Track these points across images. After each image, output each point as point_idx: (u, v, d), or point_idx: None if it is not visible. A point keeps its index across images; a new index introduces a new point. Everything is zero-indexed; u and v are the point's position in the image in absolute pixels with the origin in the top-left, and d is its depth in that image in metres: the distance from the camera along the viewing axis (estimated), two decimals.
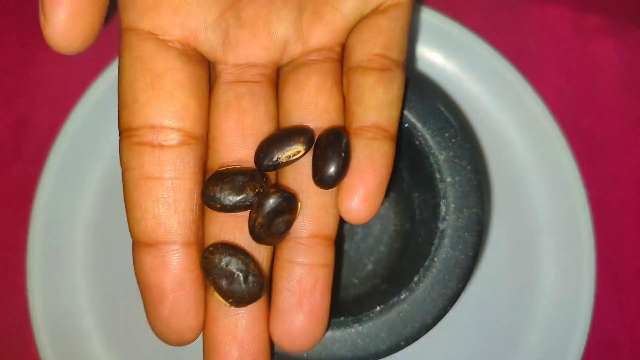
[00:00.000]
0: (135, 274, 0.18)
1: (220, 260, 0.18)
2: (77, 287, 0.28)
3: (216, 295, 0.18)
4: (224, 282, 0.18)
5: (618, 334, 0.29)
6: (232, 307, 0.18)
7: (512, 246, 0.29)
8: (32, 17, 0.30)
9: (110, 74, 0.28)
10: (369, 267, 0.27)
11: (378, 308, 0.22)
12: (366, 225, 0.27)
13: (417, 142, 0.23)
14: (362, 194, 0.18)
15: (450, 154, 0.23)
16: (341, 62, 0.21)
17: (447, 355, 0.28)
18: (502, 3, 0.31)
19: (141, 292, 0.18)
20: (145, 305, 0.18)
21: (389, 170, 0.19)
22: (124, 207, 0.28)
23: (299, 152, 0.19)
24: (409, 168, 0.25)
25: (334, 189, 0.19)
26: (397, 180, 0.27)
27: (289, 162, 0.19)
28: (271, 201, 0.18)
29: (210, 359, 0.19)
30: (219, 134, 0.19)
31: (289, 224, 0.19)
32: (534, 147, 0.29)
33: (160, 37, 0.19)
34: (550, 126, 0.29)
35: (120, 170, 0.28)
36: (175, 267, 0.18)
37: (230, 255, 0.18)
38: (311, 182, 0.19)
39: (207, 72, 0.20)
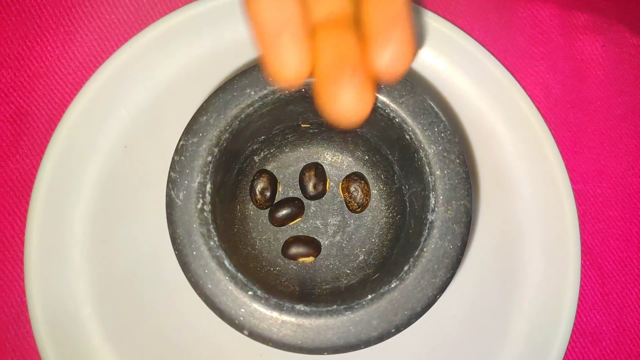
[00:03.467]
0: (250, 15, 0.19)
1: None
2: (75, 277, 0.28)
3: None
4: None
5: (602, 323, 0.30)
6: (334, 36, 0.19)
7: (499, 237, 0.29)
8: (29, 11, 0.30)
9: (107, 68, 0.28)
10: (361, 257, 0.28)
11: (369, 296, 0.22)
12: (358, 217, 0.28)
13: (407, 136, 0.23)
14: (397, 43, 0.19)
15: (440, 147, 0.23)
16: None
17: (437, 342, 0.29)
18: (492, 2, 0.31)
19: (257, 36, 0.19)
20: (261, 49, 0.19)
21: (411, 21, 0.20)
22: (121, 198, 0.28)
23: None
24: (399, 161, 0.26)
25: None
26: (388, 173, 0.27)
27: None
28: None
29: (326, 77, 0.19)
30: None
31: None
32: (521, 141, 0.29)
33: None
34: (537, 121, 0.29)
35: (117, 163, 0.28)
36: (287, 5, 0.19)
37: None
38: None
39: None
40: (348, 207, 0.28)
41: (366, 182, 0.28)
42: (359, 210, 0.28)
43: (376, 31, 0.19)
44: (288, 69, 0.19)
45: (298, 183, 0.28)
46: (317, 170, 0.28)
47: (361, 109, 0.19)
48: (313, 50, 0.20)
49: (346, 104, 0.19)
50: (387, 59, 0.19)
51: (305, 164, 0.28)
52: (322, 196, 0.28)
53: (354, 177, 0.28)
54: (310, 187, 0.28)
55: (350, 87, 0.19)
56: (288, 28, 0.19)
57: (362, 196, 0.27)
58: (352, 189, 0.27)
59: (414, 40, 0.19)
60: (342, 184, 0.28)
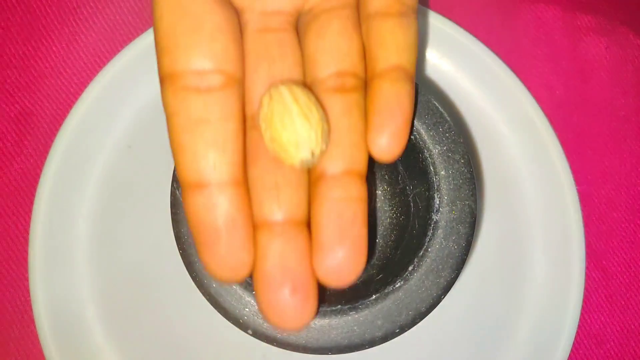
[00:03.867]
0: (188, 216, 0.19)
1: None
2: (79, 278, 0.28)
3: None
4: None
5: (606, 325, 0.30)
6: (280, 243, 0.19)
7: (504, 239, 0.29)
8: (34, 11, 0.30)
9: (111, 68, 0.29)
10: None
11: (374, 296, 0.22)
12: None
13: (411, 137, 0.23)
14: (391, 131, 0.19)
15: (444, 147, 0.23)
16: (357, 7, 0.21)
17: (441, 343, 0.28)
18: (496, 3, 0.31)
19: (194, 234, 0.19)
20: (199, 246, 0.19)
21: (412, 108, 0.20)
22: (125, 198, 0.28)
23: None
24: (404, 161, 0.26)
25: (363, 125, 0.20)
26: (392, 174, 0.27)
27: None
28: None
29: (265, 292, 0.19)
30: (250, 83, 0.20)
31: None
32: (525, 142, 0.29)
33: None
34: (541, 122, 0.29)
35: (121, 163, 0.28)
36: (229, 206, 0.18)
37: None
38: (342, 120, 0.20)
39: (238, 18, 0.20)
40: None
41: (370, 183, 0.28)
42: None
43: (327, 240, 0.19)
44: (225, 271, 0.18)
45: None
46: None
47: (302, 319, 0.18)
48: (256, 251, 0.19)
49: (286, 315, 0.18)
50: (334, 272, 0.18)
51: None
52: None
53: None
54: None
55: (292, 302, 0.18)
56: (229, 228, 0.18)
57: None
58: None
59: (365, 247, 0.19)
60: None
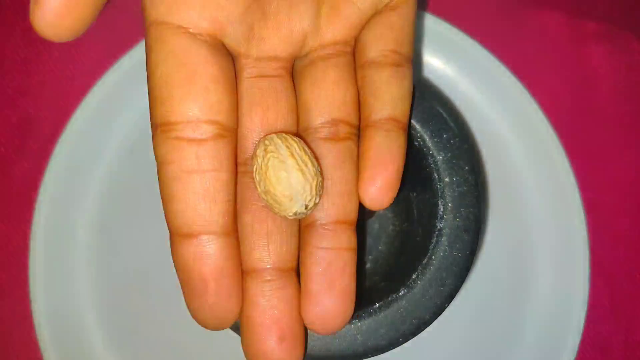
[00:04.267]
0: (176, 266, 0.19)
1: None
2: (80, 284, 0.28)
3: None
4: None
5: (612, 334, 0.30)
6: (269, 291, 0.19)
7: (508, 246, 0.29)
8: None
9: (113, 73, 0.29)
10: (368, 265, 0.27)
11: (377, 304, 0.22)
12: (365, 225, 0.28)
13: (416, 143, 0.23)
14: (382, 181, 0.20)
15: (449, 154, 0.23)
16: (354, 55, 0.22)
17: (444, 352, 0.28)
18: (500, 10, 0.31)
19: (182, 282, 0.19)
20: (186, 295, 0.19)
21: (404, 159, 0.20)
22: (127, 203, 0.28)
23: None
24: (407, 168, 0.26)
25: (355, 175, 0.20)
26: None
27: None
28: None
29: (252, 341, 0.19)
30: (244, 129, 0.20)
31: None
32: (530, 149, 0.29)
33: (190, 30, 0.19)
34: (546, 129, 0.29)
35: (122, 168, 0.28)
36: (218, 256, 0.18)
37: None
38: (334, 170, 0.20)
39: (233, 65, 0.20)
40: None
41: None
42: (366, 217, 0.28)
43: (315, 288, 0.19)
44: (212, 320, 0.19)
45: None
46: None
47: None
48: (244, 298, 0.19)
49: None
50: (321, 320, 0.19)
51: None
52: None
53: None
54: None
55: (278, 350, 0.19)
56: (217, 278, 0.18)
57: None
58: None
59: (353, 296, 0.20)
60: None
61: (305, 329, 0.20)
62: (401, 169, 0.20)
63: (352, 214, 0.20)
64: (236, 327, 0.22)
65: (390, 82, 0.21)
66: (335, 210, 0.20)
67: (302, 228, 0.20)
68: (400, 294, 0.22)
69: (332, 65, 0.21)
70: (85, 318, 0.28)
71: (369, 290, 0.26)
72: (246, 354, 0.19)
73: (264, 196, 0.19)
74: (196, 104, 0.18)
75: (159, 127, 0.19)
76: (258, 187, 0.19)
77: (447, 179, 0.23)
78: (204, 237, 0.18)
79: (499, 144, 0.29)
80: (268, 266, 0.19)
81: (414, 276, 0.22)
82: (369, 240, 0.28)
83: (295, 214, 0.19)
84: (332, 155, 0.20)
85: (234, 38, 0.20)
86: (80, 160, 0.28)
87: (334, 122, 0.20)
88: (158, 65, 0.19)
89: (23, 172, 0.29)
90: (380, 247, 0.27)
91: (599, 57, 0.31)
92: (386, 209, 0.28)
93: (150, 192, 0.29)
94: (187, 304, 0.19)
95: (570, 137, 0.30)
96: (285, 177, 0.18)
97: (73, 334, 0.28)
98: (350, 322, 0.22)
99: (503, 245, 0.29)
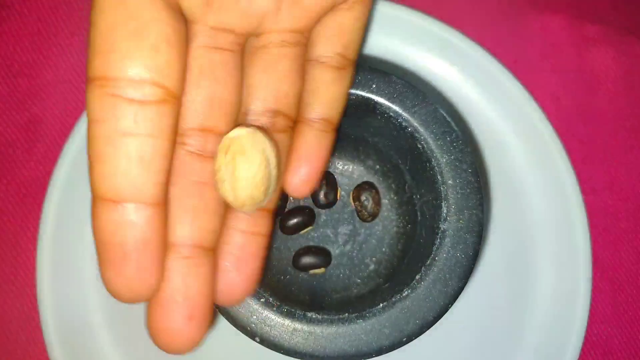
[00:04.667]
0: (95, 231, 0.18)
1: None
2: (87, 284, 0.28)
3: None
4: None
5: (614, 335, 0.30)
6: (184, 267, 0.19)
7: (511, 248, 0.29)
8: (45, 21, 0.31)
9: None
10: (371, 267, 0.28)
11: (381, 305, 0.22)
12: (369, 227, 0.28)
13: (419, 146, 0.24)
14: (305, 174, 0.21)
15: (452, 157, 0.23)
16: (307, 45, 0.22)
17: (447, 352, 0.28)
18: (502, 13, 0.32)
19: (99, 249, 0.18)
20: (102, 263, 0.18)
21: (329, 157, 0.22)
22: None
23: None
24: (411, 171, 0.26)
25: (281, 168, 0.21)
26: (399, 183, 0.28)
27: None
28: None
29: (159, 316, 0.18)
30: (189, 99, 0.19)
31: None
32: (532, 152, 0.29)
33: None
34: (548, 132, 0.29)
35: None
36: (144, 227, 0.17)
37: None
38: None
39: (186, 30, 0.19)
40: (359, 216, 0.28)
41: (377, 192, 0.28)
42: (369, 219, 0.28)
43: (226, 266, 0.20)
44: (127, 293, 0.18)
45: None
46: (328, 179, 0.28)
47: (191, 345, 0.19)
48: (163, 274, 0.18)
49: (177, 340, 0.19)
50: (225, 294, 0.20)
51: None
52: (333, 205, 0.28)
53: (365, 187, 0.28)
54: (321, 195, 0.28)
55: (186, 328, 0.19)
56: (140, 250, 0.17)
57: (373, 205, 0.27)
58: (363, 198, 0.28)
59: (257, 277, 0.21)
60: (353, 193, 0.28)
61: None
62: (325, 165, 0.22)
63: (273, 201, 0.21)
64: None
65: (330, 84, 0.22)
66: None
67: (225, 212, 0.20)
68: (404, 294, 0.22)
69: (285, 55, 0.21)
70: (92, 317, 0.28)
71: (374, 291, 0.26)
72: (150, 329, 0.19)
73: (220, 186, 0.19)
74: (142, 62, 0.17)
75: (95, 80, 0.17)
76: (217, 177, 0.19)
77: (450, 181, 0.23)
78: (131, 205, 0.17)
79: (501, 146, 0.29)
80: (189, 242, 0.19)
81: (417, 277, 0.23)
82: (373, 242, 0.28)
83: (249, 206, 0.19)
84: None
85: (192, 0, 0.19)
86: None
87: (275, 114, 0.21)
88: (104, 13, 0.17)
89: (31, 172, 0.30)
90: (384, 249, 0.28)
91: (601, 60, 0.31)
92: (390, 210, 0.28)
93: None
94: (101, 272, 0.18)
95: (572, 139, 0.31)
96: (245, 169, 0.19)
97: (80, 333, 0.28)
98: (354, 321, 0.22)
99: (505, 247, 0.29)
